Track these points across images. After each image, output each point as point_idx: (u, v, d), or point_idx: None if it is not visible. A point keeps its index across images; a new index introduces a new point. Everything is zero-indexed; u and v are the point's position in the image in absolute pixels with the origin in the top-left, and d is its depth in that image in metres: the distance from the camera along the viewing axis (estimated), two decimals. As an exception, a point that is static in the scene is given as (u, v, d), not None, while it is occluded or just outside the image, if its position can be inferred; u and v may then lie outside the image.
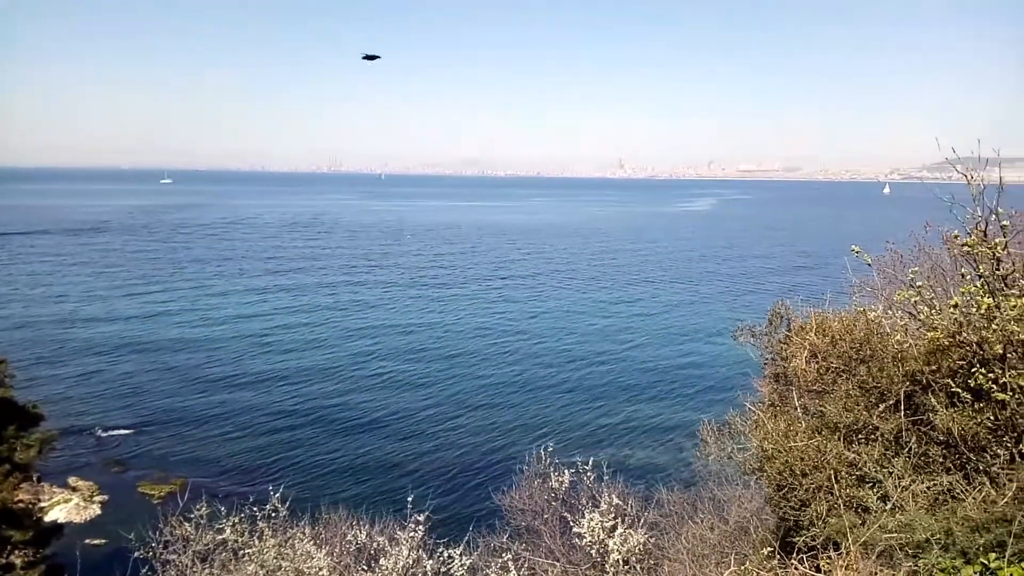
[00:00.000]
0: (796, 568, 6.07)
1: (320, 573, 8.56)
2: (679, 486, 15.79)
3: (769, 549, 7.44)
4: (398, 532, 9.91)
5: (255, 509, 9.40)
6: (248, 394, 38.55)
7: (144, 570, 8.95)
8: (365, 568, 9.70)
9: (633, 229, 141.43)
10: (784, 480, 7.60)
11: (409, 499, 10.25)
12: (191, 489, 12.62)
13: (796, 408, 8.25)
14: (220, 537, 8.94)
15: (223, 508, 9.50)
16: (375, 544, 10.36)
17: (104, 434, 32.68)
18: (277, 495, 9.44)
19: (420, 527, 9.68)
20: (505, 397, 38.42)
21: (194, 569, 8.62)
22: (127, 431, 33.07)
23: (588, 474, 12.33)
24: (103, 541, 23.40)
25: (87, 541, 23.06)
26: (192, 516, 9.00)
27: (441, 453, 31.04)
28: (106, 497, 27.35)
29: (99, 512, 26.42)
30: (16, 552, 15.93)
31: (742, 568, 7.39)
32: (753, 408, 9.24)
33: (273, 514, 9.38)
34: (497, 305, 61.85)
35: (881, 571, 5.72)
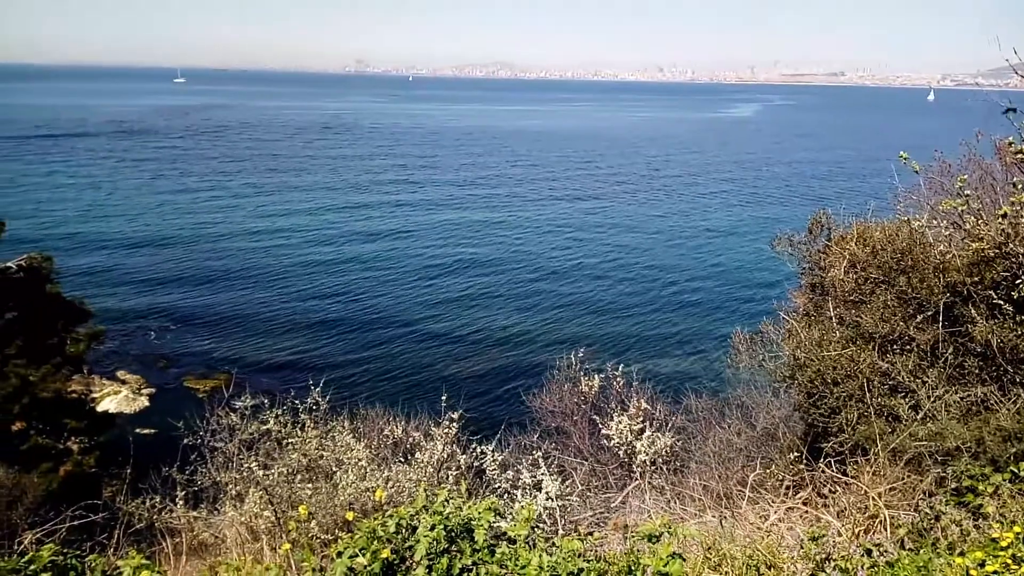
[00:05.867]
0: (823, 471, 6.20)
1: (359, 463, 8.97)
2: (707, 393, 16.01)
3: (796, 454, 7.59)
4: (433, 428, 10.25)
5: (297, 402, 9.73)
6: (287, 293, 39.55)
7: (193, 456, 9.41)
8: (401, 460, 10.12)
9: (678, 136, 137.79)
10: (815, 388, 7.66)
11: (443, 398, 10.55)
12: (234, 384, 13.12)
13: (831, 318, 8.19)
14: (264, 427, 9.32)
15: (266, 401, 9.83)
16: (411, 439, 10.78)
17: (149, 330, 33.88)
18: (317, 389, 9.76)
19: (454, 424, 10.00)
20: (537, 304, 38.83)
21: (240, 456, 9.06)
22: (171, 327, 34.23)
23: (618, 380, 12.53)
24: (153, 430, 24.70)
25: (138, 430, 24.37)
26: (237, 408, 9.37)
27: (474, 357, 31.75)
28: (153, 390, 28.69)
29: (147, 404, 27.79)
30: (72, 439, 16.95)
31: (768, 471, 7.56)
32: (787, 317, 9.21)
33: (314, 407, 9.72)
34: (538, 216, 61.48)
35: (908, 476, 5.82)
